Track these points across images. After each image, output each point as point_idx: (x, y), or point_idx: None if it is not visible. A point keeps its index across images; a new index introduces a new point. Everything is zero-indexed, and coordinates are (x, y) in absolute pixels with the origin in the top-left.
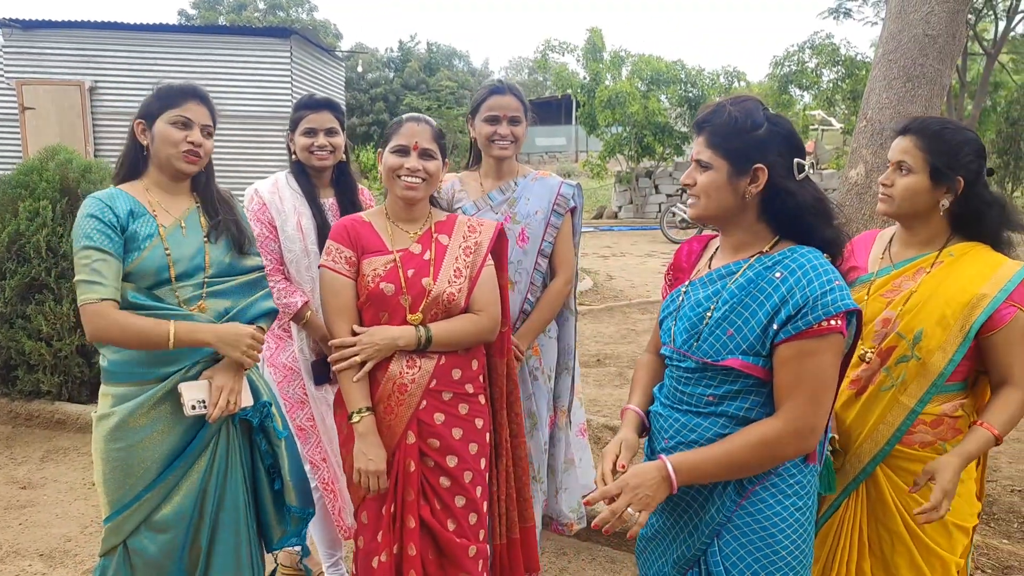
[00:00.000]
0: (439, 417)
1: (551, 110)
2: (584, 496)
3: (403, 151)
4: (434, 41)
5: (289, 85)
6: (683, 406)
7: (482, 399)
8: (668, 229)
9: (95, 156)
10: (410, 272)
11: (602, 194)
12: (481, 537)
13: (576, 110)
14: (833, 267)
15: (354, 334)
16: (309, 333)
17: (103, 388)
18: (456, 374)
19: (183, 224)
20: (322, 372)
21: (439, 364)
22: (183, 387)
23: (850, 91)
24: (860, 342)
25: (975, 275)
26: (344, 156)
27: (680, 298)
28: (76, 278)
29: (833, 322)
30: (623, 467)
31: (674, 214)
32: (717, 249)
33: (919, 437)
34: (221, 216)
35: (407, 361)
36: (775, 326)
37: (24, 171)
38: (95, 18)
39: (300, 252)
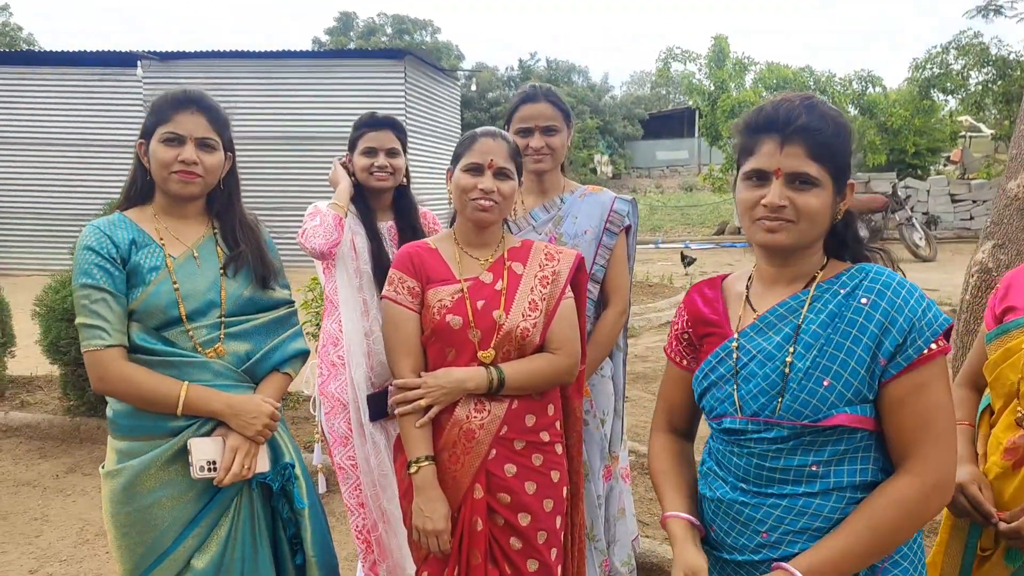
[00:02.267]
0: (510, 469)
1: (672, 123)
2: (632, 539)
3: (476, 169)
4: (554, 58)
5: (403, 105)
6: (776, 486)
7: (559, 448)
8: None
9: None
10: (480, 303)
11: (724, 209)
12: None
13: (699, 120)
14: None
15: (420, 376)
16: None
17: (110, 441)
18: (530, 420)
19: (196, 254)
20: (379, 406)
21: (511, 408)
22: (193, 444)
23: (1002, 93)
24: (1016, 402)
25: None
26: (405, 179)
27: (733, 355)
28: (77, 320)
29: (941, 343)
30: None
31: None
32: (749, 288)
33: None
34: (242, 245)
35: (475, 405)
36: (882, 361)
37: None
38: (231, 48)
39: (352, 272)
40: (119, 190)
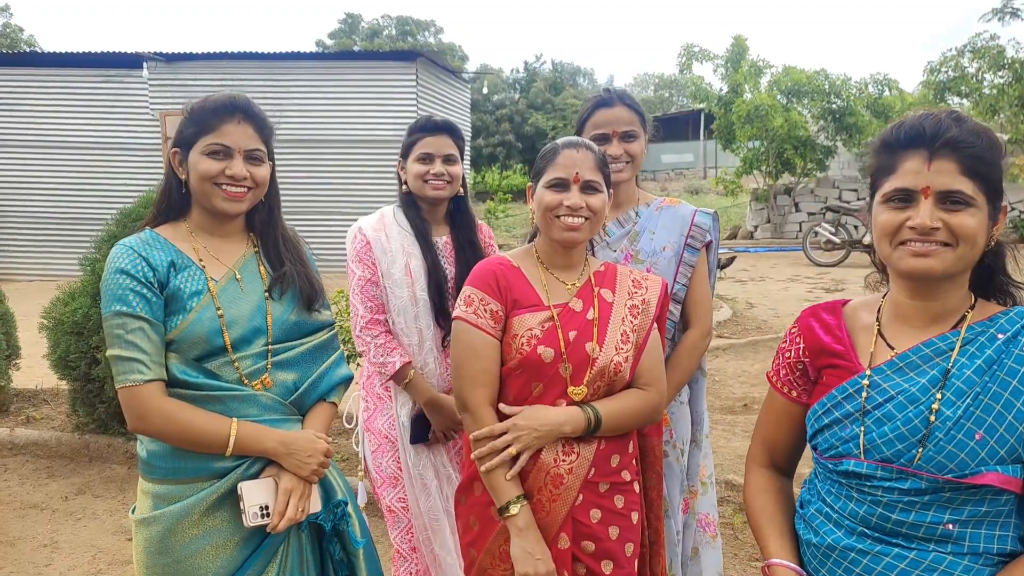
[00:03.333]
0: (595, 514)
1: (678, 126)
2: None
3: (562, 185)
4: (559, 60)
5: (415, 108)
6: (901, 539)
7: (636, 487)
8: (812, 250)
9: None
10: (571, 335)
11: (735, 212)
12: None
13: (711, 124)
14: None
15: (501, 414)
16: (412, 395)
17: (142, 484)
18: (615, 460)
19: (238, 276)
20: (420, 430)
21: (599, 450)
22: (244, 488)
23: (1018, 97)
24: None
25: None
26: (462, 189)
27: (863, 393)
28: (109, 352)
29: None
30: None
31: (817, 234)
32: (881, 320)
33: None
34: (287, 265)
35: (563, 447)
36: None
37: (145, 202)
38: (235, 49)
39: (408, 300)
40: (126, 195)
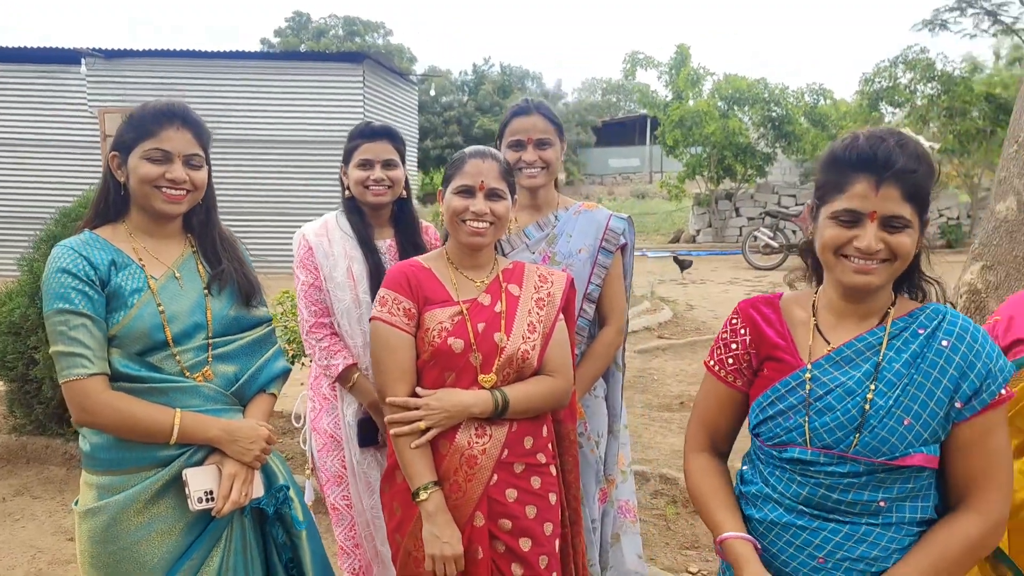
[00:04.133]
0: (511, 494)
1: (625, 130)
2: None
3: (468, 192)
4: (507, 64)
5: (362, 109)
6: (838, 515)
7: (553, 470)
8: (751, 254)
9: None
10: (480, 326)
11: (679, 217)
12: None
13: (655, 130)
14: None
15: (417, 396)
16: (358, 397)
17: (85, 476)
18: (528, 442)
19: (178, 274)
20: (369, 433)
21: (511, 431)
22: (189, 474)
23: (946, 108)
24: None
25: None
26: (405, 191)
27: (806, 386)
28: (52, 348)
29: (1007, 389)
30: None
31: (756, 238)
32: (816, 315)
33: None
34: (224, 263)
35: (476, 429)
36: (958, 404)
37: (84, 202)
38: (177, 47)
39: (351, 302)
40: (63, 194)
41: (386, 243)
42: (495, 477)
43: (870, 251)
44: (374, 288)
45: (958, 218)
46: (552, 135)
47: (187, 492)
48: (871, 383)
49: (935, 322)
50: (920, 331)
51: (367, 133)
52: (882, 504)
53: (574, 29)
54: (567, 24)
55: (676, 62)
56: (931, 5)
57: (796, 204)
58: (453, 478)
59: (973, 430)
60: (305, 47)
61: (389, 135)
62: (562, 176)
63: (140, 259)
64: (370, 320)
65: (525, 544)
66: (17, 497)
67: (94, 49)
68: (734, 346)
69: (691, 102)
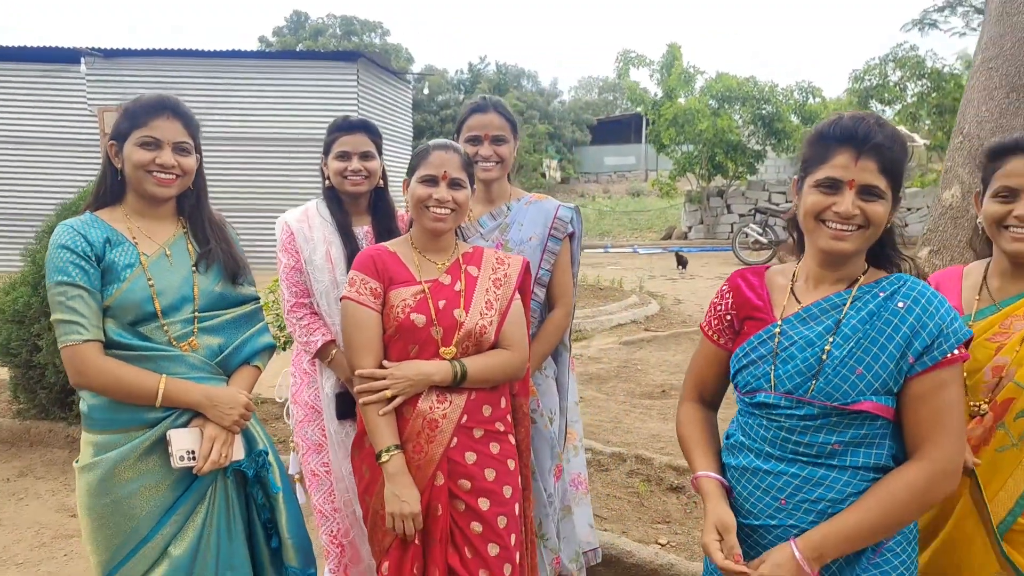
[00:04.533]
0: (471, 456)
1: (621, 129)
2: (583, 551)
3: (431, 181)
4: (503, 62)
5: (356, 107)
6: (800, 457)
7: (511, 439)
8: (741, 250)
9: None
10: (441, 303)
11: (671, 214)
12: None
13: (646, 128)
14: None
15: (383, 368)
16: (336, 372)
17: (84, 435)
18: (487, 410)
19: (168, 252)
20: (346, 406)
21: (470, 399)
22: (172, 435)
23: (936, 105)
24: (966, 398)
25: None
26: (382, 181)
27: (775, 339)
28: (53, 317)
29: (961, 350)
30: (738, 559)
31: (747, 235)
32: (794, 281)
33: None
34: (212, 243)
35: (437, 396)
36: (910, 359)
37: (83, 197)
38: (176, 46)
39: (329, 283)
40: (63, 190)
41: (363, 230)
42: (455, 440)
43: (848, 215)
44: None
45: None
46: (507, 132)
47: (170, 451)
48: (830, 336)
49: (895, 287)
50: (880, 294)
51: (344, 127)
52: (836, 447)
53: (572, 28)
54: (565, 23)
55: (667, 61)
56: (921, 5)
57: (786, 201)
58: (416, 440)
59: (923, 385)
60: (303, 46)
61: (366, 128)
62: (557, 175)
63: (134, 238)
64: (340, 299)
65: (484, 504)
66: (21, 478)
67: (94, 48)
68: (720, 308)
69: (682, 100)
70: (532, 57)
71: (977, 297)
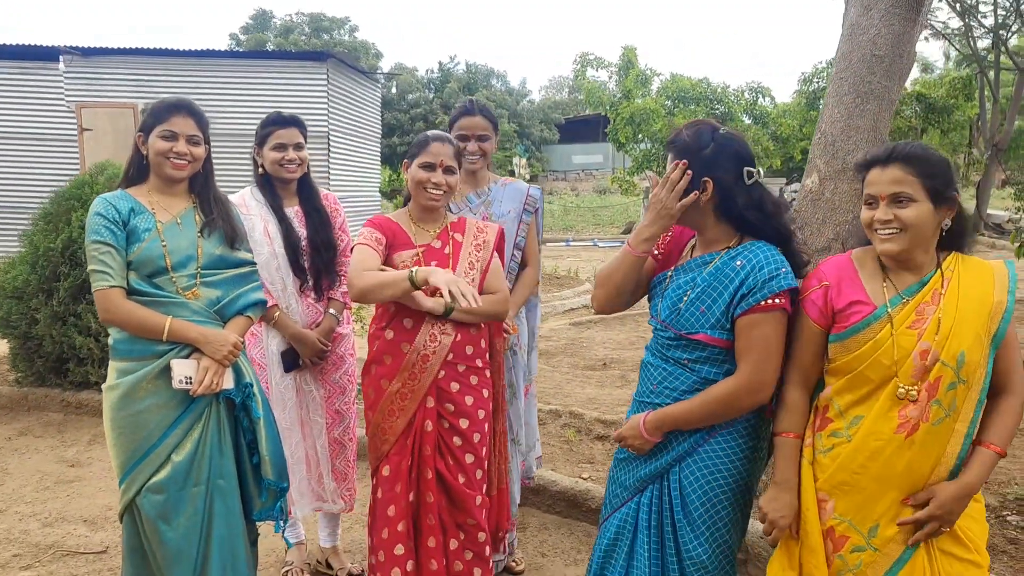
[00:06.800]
0: (455, 386)
1: (587, 128)
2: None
3: (430, 167)
4: (473, 62)
5: (326, 106)
6: (668, 362)
7: (488, 373)
8: None
9: None
10: (433, 263)
11: (633, 210)
12: (484, 489)
13: (606, 127)
14: (782, 257)
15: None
16: (280, 332)
17: (111, 363)
18: (469, 350)
19: (179, 221)
20: (291, 360)
21: (456, 340)
22: (174, 362)
23: None
24: (895, 380)
25: (981, 283)
26: (307, 168)
27: (667, 281)
28: (88, 267)
29: (778, 300)
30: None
31: None
32: (696, 242)
33: None
34: (215, 215)
35: (430, 336)
36: (735, 302)
37: (77, 184)
38: (149, 45)
39: (269, 255)
40: (42, 185)
41: (293, 209)
42: (442, 372)
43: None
44: (288, 246)
45: None
46: (489, 131)
47: (172, 374)
48: (692, 286)
49: (743, 250)
50: (731, 257)
51: (279, 121)
52: (686, 361)
53: (541, 28)
54: (534, 23)
55: (623, 63)
56: None
57: None
58: (411, 370)
59: (743, 322)
60: (273, 44)
61: (297, 123)
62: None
63: (153, 209)
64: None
65: (464, 423)
66: (21, 437)
67: (72, 47)
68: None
69: (639, 100)
70: (502, 57)
71: (884, 285)
